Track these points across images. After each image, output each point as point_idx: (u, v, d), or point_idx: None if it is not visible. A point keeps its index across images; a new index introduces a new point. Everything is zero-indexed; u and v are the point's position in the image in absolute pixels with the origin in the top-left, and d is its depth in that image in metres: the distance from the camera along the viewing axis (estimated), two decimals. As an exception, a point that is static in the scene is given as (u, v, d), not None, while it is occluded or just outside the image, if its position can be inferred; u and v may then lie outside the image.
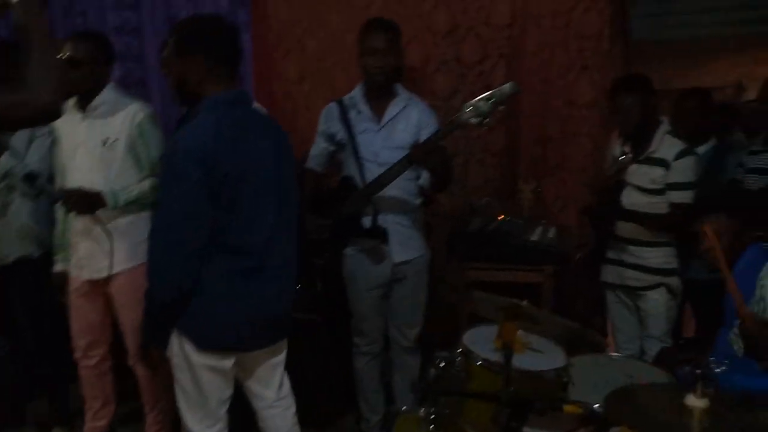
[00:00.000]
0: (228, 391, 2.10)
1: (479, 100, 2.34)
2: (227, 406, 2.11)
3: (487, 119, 2.34)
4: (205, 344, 1.98)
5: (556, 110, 3.72)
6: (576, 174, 3.72)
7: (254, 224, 1.96)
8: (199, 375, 2.00)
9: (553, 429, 1.49)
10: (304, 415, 3.00)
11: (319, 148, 2.83)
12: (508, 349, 1.52)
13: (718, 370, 1.36)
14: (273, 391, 2.21)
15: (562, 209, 3.82)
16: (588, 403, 1.54)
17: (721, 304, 2.29)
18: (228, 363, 2.03)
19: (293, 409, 2.27)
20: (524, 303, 1.51)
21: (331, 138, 2.77)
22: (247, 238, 1.95)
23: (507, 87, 2.35)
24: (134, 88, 3.86)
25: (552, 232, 3.22)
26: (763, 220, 2.39)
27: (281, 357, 2.20)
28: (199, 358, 1.98)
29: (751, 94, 4.35)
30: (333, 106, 2.76)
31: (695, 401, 1.36)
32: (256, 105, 2.12)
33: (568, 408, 1.38)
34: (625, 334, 2.92)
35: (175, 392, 2.09)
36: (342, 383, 3.07)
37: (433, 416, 2.06)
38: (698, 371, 1.35)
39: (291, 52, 3.86)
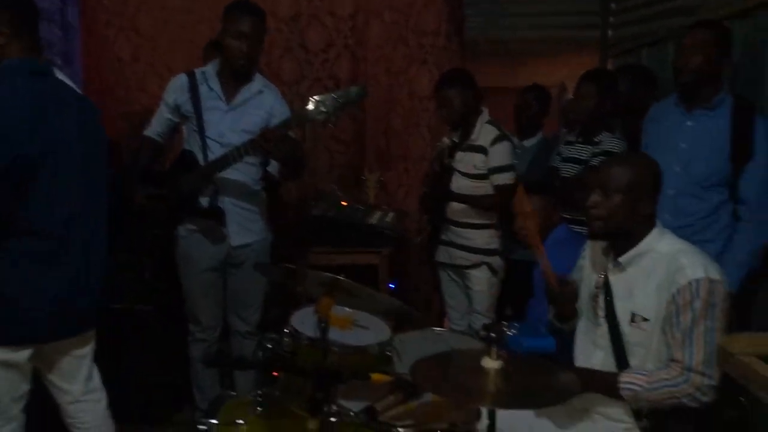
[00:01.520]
0: (23, 387, 1.93)
1: (327, 97, 2.36)
2: (23, 403, 1.94)
3: (332, 118, 2.36)
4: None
5: (399, 102, 3.85)
6: (417, 163, 3.89)
7: (52, 206, 1.82)
8: None
9: (365, 398, 1.54)
10: (137, 411, 2.89)
11: (161, 118, 2.71)
12: (324, 322, 1.55)
13: (509, 333, 1.49)
14: (79, 384, 2.06)
15: (405, 197, 3.98)
16: (396, 371, 1.62)
17: (532, 280, 2.51)
18: (22, 356, 1.86)
19: (104, 402, 2.13)
20: (342, 277, 1.54)
21: (175, 109, 2.66)
22: (42, 222, 1.80)
23: (353, 90, 2.40)
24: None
25: (390, 217, 3.33)
26: (571, 205, 2.64)
27: (88, 349, 2.06)
28: None
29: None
30: (182, 77, 2.65)
31: (490, 363, 1.47)
32: (60, 76, 1.95)
33: (375, 377, 1.44)
34: (457, 311, 3.12)
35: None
36: (181, 376, 2.95)
37: (260, 398, 2.06)
38: (492, 335, 1.47)
39: (123, 31, 3.64)
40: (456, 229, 3.02)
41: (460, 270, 3.04)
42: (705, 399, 1.63)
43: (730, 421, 1.71)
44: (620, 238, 1.81)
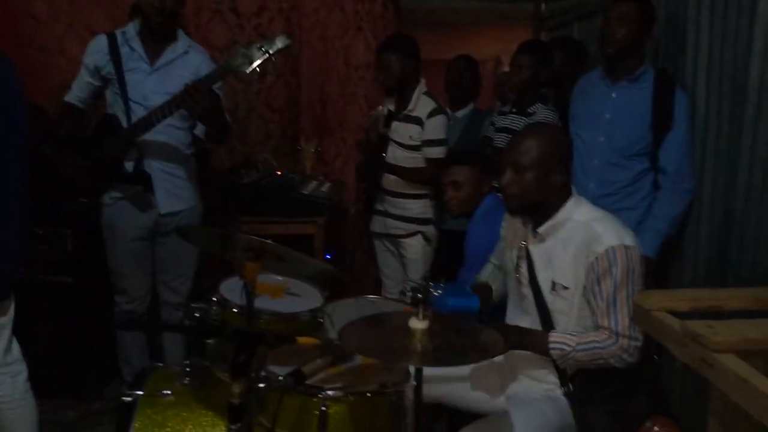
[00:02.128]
0: None
1: (251, 46, 2.29)
2: None
3: (257, 68, 2.29)
4: None
5: (335, 70, 3.80)
6: (354, 133, 3.87)
7: None
8: None
9: (293, 362, 1.53)
10: (61, 386, 2.79)
11: (82, 81, 2.57)
12: (249, 286, 1.52)
13: (435, 293, 1.51)
14: None
15: (343, 167, 3.96)
16: (324, 335, 1.62)
17: (463, 250, 2.56)
18: None
19: (24, 375, 2.04)
20: (268, 241, 1.51)
21: (96, 72, 2.52)
22: None
23: (278, 39, 2.33)
24: None
25: (326, 187, 3.30)
26: (494, 171, 2.68)
27: (5, 320, 1.96)
28: None
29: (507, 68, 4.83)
30: (102, 38, 2.52)
31: (417, 323, 1.49)
32: None
33: (302, 340, 1.43)
34: (391, 280, 3.15)
35: None
36: (108, 349, 2.86)
37: (188, 369, 2.02)
38: (419, 296, 1.48)
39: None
40: (391, 198, 3.03)
41: (394, 239, 3.06)
42: (631, 360, 1.70)
43: (646, 378, 1.79)
44: (537, 210, 1.84)
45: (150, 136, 2.44)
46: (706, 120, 2.34)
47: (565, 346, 1.73)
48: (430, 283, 1.51)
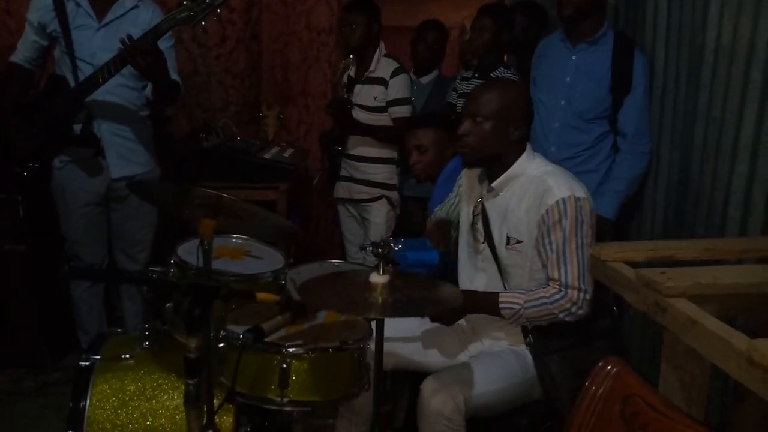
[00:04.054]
0: None
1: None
2: None
3: (203, 21, 2.21)
4: None
5: (296, 35, 3.72)
6: (318, 99, 3.81)
7: None
8: None
9: (253, 319, 1.51)
10: (16, 356, 2.72)
11: (27, 40, 2.46)
12: (206, 243, 1.49)
13: (396, 248, 1.50)
14: None
15: (306, 134, 3.90)
16: (286, 291, 1.61)
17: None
18: None
19: None
20: (225, 195, 1.48)
21: (41, 29, 2.42)
22: None
23: None
24: None
25: (289, 152, 3.26)
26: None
27: None
28: None
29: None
30: None
31: (378, 278, 1.49)
32: None
33: (261, 296, 1.41)
34: (354, 245, 3.15)
35: None
36: (64, 318, 2.79)
37: (147, 333, 1.99)
38: (380, 250, 1.48)
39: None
40: (356, 163, 3.01)
41: (359, 204, 3.06)
42: (581, 312, 1.72)
43: (604, 329, 1.83)
44: (493, 164, 1.84)
45: (100, 96, 2.36)
46: (665, 82, 2.37)
47: (514, 305, 1.75)
48: (391, 238, 1.50)
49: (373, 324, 1.53)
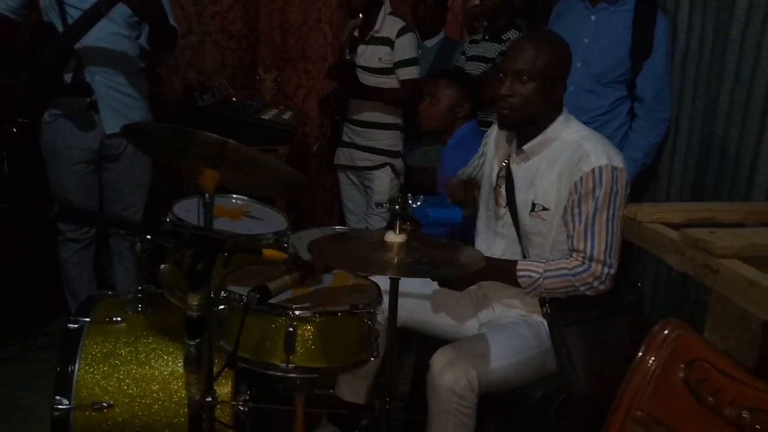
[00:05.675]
0: None
1: None
2: None
3: None
4: None
5: (295, -7, 3.57)
6: (318, 63, 3.67)
7: None
8: None
9: (256, 280, 1.40)
10: (4, 319, 2.60)
11: None
12: (209, 197, 1.37)
13: (414, 205, 1.39)
14: None
15: (305, 99, 3.77)
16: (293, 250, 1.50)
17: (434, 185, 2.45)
18: None
19: None
20: (231, 141, 1.35)
21: None
22: None
23: None
24: None
25: (288, 115, 3.12)
26: (477, 100, 2.56)
27: None
28: None
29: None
30: None
31: (394, 237, 1.38)
32: None
33: (268, 252, 1.29)
34: (355, 215, 3.03)
35: None
36: (52, 281, 2.66)
37: (141, 295, 1.88)
38: (396, 207, 1.37)
39: None
40: (359, 129, 2.87)
41: (361, 172, 2.92)
42: (602, 288, 1.63)
43: (627, 304, 1.74)
44: (527, 126, 1.72)
45: (92, 42, 2.21)
46: (688, 44, 2.26)
47: (533, 274, 1.65)
48: (408, 194, 1.38)
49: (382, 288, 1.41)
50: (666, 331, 0.91)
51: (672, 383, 0.87)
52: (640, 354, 0.92)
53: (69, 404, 1.68)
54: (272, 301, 1.40)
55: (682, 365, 0.86)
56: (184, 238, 1.09)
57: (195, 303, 1.14)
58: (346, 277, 1.69)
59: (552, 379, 1.75)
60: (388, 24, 2.76)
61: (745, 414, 0.79)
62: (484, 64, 2.87)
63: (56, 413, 1.68)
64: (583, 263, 1.62)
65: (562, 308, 1.70)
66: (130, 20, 2.21)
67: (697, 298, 2.08)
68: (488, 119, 2.66)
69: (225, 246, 1.14)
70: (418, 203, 1.37)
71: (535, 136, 1.72)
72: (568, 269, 1.63)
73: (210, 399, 1.38)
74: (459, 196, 1.84)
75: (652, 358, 0.89)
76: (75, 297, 2.52)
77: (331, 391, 1.96)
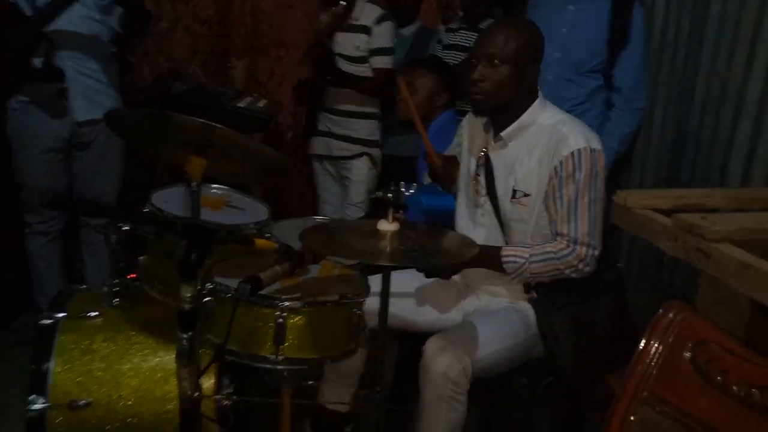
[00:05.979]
0: None
1: None
2: None
3: None
4: None
5: (268, -22, 3.50)
6: (291, 51, 3.61)
7: None
8: None
9: (242, 272, 1.37)
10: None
11: None
12: (196, 185, 1.33)
13: (407, 192, 1.38)
14: None
15: (278, 88, 3.70)
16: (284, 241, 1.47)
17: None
18: None
19: None
20: (218, 126, 1.31)
21: None
22: None
23: None
24: None
25: (262, 103, 3.06)
26: (454, 90, 2.55)
27: None
28: None
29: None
30: None
31: (386, 225, 1.37)
32: None
33: (260, 242, 1.27)
34: (331, 205, 2.99)
35: None
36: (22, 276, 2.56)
37: (117, 288, 1.82)
38: (389, 195, 1.35)
39: None
40: (336, 118, 2.83)
41: (338, 161, 2.88)
42: (587, 269, 1.65)
43: (609, 285, 1.76)
44: (503, 112, 1.72)
45: (63, 26, 2.13)
46: (664, 36, 2.30)
47: (518, 259, 1.66)
48: (401, 183, 1.37)
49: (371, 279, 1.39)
50: (671, 315, 0.92)
51: (679, 365, 0.88)
52: (645, 338, 0.93)
53: (45, 403, 1.62)
54: (261, 292, 1.37)
55: (689, 346, 0.88)
56: (178, 229, 1.05)
57: (188, 295, 1.11)
58: (332, 267, 1.67)
59: (536, 364, 1.77)
60: (367, 11, 2.73)
61: (755, 391, 0.81)
62: (461, 54, 2.86)
63: (31, 413, 1.61)
64: (568, 246, 1.64)
65: (548, 292, 1.72)
66: (102, 3, 2.13)
67: (671, 282, 2.13)
68: (467, 109, 2.66)
69: (218, 236, 1.11)
70: (411, 191, 1.36)
71: (511, 122, 1.71)
72: (554, 252, 1.64)
73: (197, 394, 1.35)
74: (446, 172, 1.83)
75: (658, 342, 0.90)
76: (43, 292, 2.44)
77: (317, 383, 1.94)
